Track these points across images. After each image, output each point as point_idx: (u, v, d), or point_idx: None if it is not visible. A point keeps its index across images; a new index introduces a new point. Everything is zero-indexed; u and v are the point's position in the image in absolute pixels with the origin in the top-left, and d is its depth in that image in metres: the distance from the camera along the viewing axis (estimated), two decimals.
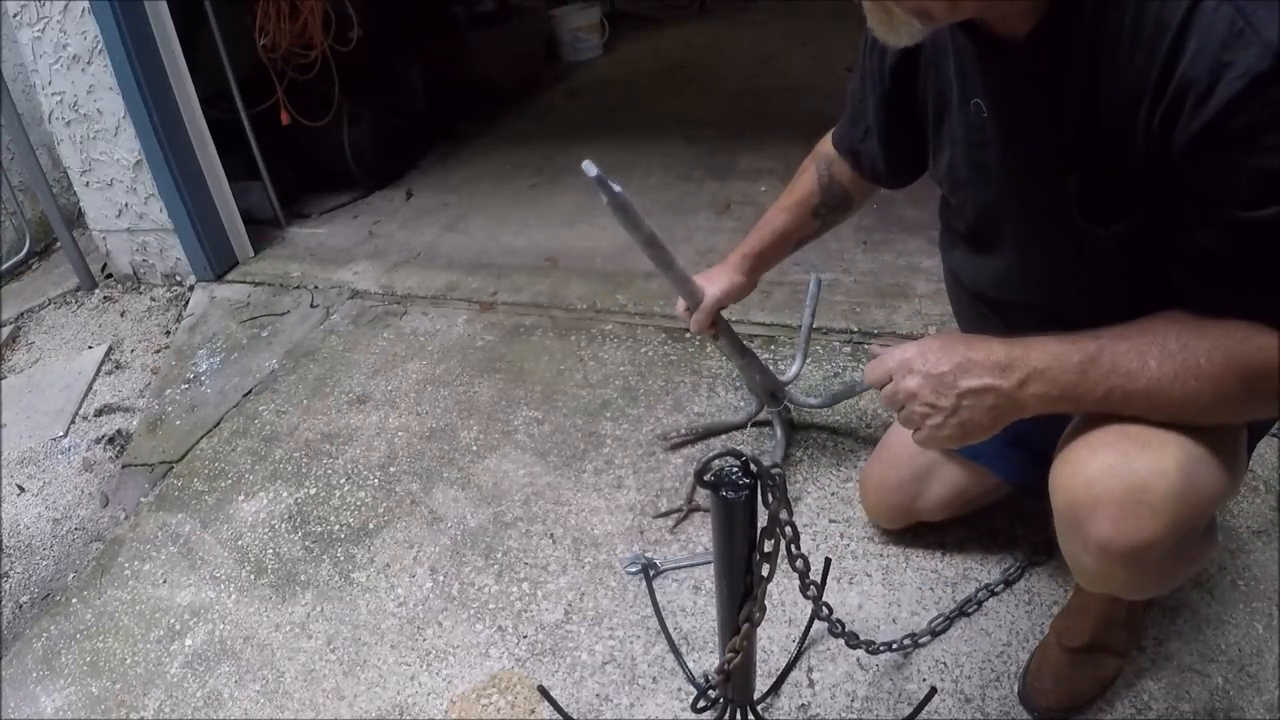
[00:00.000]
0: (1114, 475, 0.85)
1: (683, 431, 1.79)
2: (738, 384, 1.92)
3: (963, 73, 0.94)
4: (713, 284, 1.43)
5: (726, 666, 0.98)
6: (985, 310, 1.12)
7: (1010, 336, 0.89)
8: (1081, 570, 0.95)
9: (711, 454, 0.86)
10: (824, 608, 1.11)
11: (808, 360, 1.96)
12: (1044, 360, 0.86)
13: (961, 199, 1.05)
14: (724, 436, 1.79)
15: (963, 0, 0.79)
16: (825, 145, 1.35)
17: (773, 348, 2.03)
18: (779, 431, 1.72)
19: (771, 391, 1.66)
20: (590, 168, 1.13)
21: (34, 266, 3.11)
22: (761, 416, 1.79)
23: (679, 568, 1.52)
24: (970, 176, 1.00)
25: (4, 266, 3.02)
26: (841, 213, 1.39)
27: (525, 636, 1.44)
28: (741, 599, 0.94)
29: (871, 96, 1.14)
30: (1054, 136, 0.86)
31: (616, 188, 1.17)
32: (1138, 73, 0.76)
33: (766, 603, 0.94)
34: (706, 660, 1.35)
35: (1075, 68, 0.80)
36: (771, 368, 1.73)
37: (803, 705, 1.27)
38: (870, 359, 0.97)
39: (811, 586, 1.03)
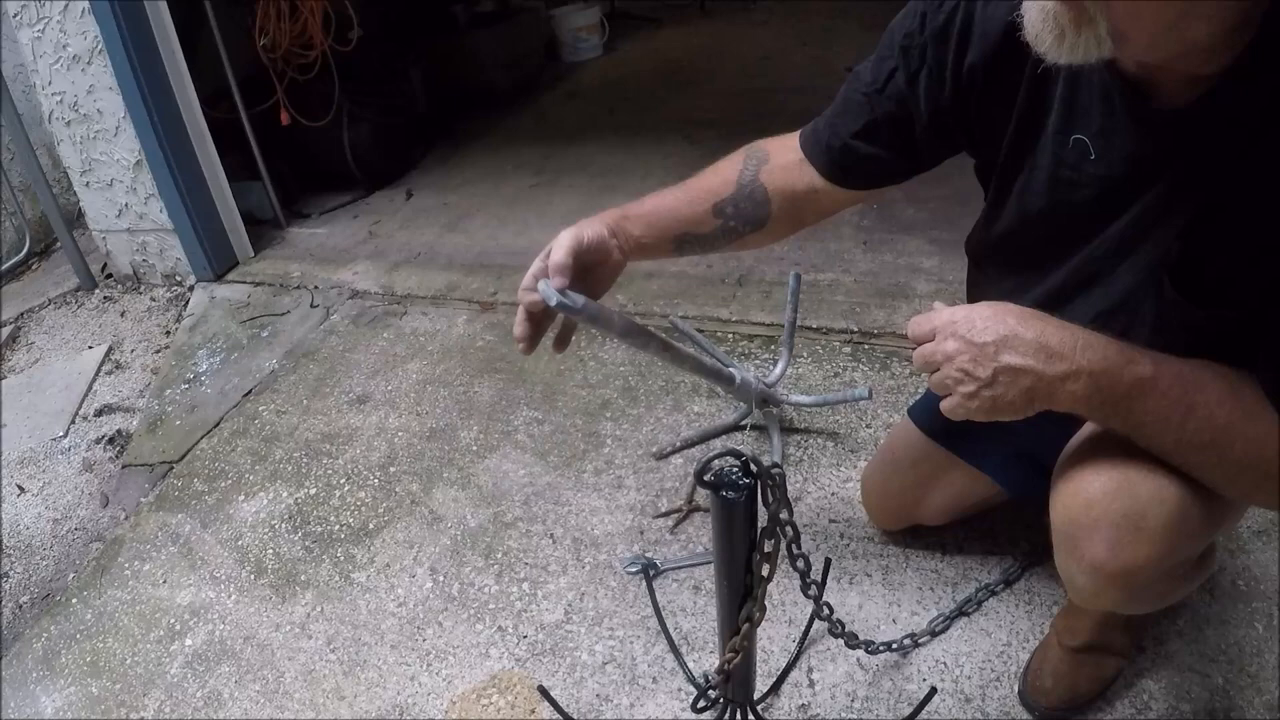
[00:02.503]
0: (1114, 499, 0.85)
1: (677, 444, 1.78)
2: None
3: (1071, 103, 0.86)
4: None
5: (726, 666, 0.98)
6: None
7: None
8: (1075, 588, 0.95)
9: (712, 454, 0.86)
10: (824, 608, 1.11)
11: (806, 360, 1.97)
12: (1095, 364, 0.80)
13: (1026, 222, 0.99)
14: (716, 440, 1.79)
15: (1164, 42, 0.71)
16: (764, 145, 1.14)
17: (772, 348, 2.03)
18: (774, 435, 1.72)
19: (763, 398, 1.66)
20: (549, 295, 0.97)
21: (34, 266, 3.11)
22: (755, 420, 1.79)
23: (679, 568, 1.52)
24: (1044, 207, 0.94)
25: (4, 266, 3.02)
26: (749, 225, 1.12)
27: (525, 636, 1.44)
28: (741, 599, 0.93)
29: (928, 86, 0.97)
30: (1175, 202, 0.81)
31: (580, 300, 1.02)
32: None
33: (766, 603, 0.94)
34: (706, 660, 1.35)
35: (1235, 142, 0.76)
36: (766, 368, 1.73)
37: (803, 705, 1.27)
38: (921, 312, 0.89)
39: (812, 586, 1.03)
